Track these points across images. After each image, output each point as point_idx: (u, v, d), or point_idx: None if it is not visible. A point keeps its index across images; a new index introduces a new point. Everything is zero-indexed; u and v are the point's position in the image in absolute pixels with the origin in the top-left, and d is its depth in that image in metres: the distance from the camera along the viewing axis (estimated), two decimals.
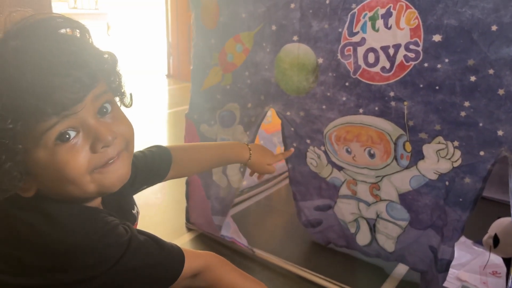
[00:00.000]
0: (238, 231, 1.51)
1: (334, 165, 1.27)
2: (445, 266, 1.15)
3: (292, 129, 1.29)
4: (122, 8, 11.27)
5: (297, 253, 1.50)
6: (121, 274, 0.60)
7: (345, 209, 1.31)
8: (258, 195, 1.95)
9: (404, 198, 1.18)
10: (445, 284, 1.25)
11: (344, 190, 1.29)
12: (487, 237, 1.26)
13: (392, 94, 1.05)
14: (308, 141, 1.28)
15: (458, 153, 1.03)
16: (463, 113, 0.97)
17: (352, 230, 1.33)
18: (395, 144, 1.11)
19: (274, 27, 1.19)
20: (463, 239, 1.52)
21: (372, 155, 1.17)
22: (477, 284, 1.27)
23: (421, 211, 1.17)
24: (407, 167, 1.13)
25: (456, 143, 1.02)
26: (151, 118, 3.20)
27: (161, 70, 4.87)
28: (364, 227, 1.30)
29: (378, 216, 1.25)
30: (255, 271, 1.40)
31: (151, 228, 1.65)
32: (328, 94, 1.16)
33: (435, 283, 1.19)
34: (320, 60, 1.14)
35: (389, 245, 1.27)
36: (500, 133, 0.94)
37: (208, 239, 1.57)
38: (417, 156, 1.10)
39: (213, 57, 1.34)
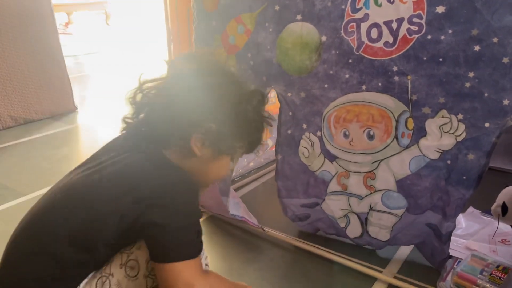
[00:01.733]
0: (247, 211, 1.53)
1: (327, 154, 1.26)
2: (448, 236, 1.16)
3: (290, 113, 1.29)
4: None
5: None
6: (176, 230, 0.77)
7: (334, 206, 1.30)
8: (265, 176, 1.97)
9: (402, 185, 1.17)
10: (454, 254, 1.28)
11: (333, 186, 1.28)
12: (495, 206, 1.27)
13: (395, 68, 1.06)
14: (304, 125, 1.27)
15: (462, 127, 1.03)
16: (467, 84, 0.97)
17: (342, 225, 1.32)
18: (397, 121, 1.11)
19: (277, 7, 1.19)
20: (471, 209, 1.54)
21: (371, 137, 1.16)
22: (486, 252, 1.29)
23: (420, 195, 1.16)
24: (407, 147, 1.12)
25: (460, 116, 1.02)
26: None
27: (162, 57, 4.86)
28: (355, 221, 1.29)
29: (371, 208, 1.24)
30: (266, 248, 1.43)
31: None
32: (331, 72, 1.17)
33: (439, 252, 1.20)
34: (324, 38, 1.15)
35: (383, 235, 1.27)
36: (505, 102, 0.94)
37: (218, 220, 1.59)
38: (419, 133, 1.10)
39: (215, 38, 1.35)
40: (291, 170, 1.35)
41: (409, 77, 1.05)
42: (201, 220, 1.60)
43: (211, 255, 1.41)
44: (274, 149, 2.04)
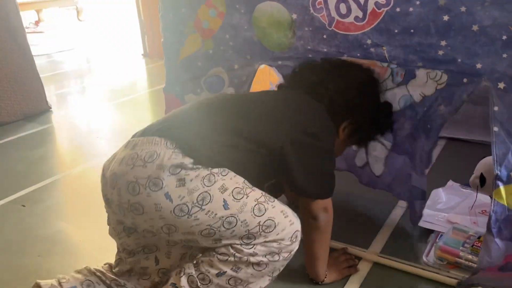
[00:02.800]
0: None
1: None
2: (420, 195, 1.24)
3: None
4: None
5: None
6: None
7: None
8: None
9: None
10: (436, 228, 1.29)
11: None
12: (473, 178, 1.29)
13: (369, 41, 1.07)
14: None
15: (445, 77, 1.08)
16: (441, 52, 0.99)
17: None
18: (390, 67, 1.18)
19: None
20: (450, 183, 1.55)
21: None
22: (467, 224, 1.30)
23: (400, 134, 1.26)
24: (399, 85, 1.20)
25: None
26: (133, 97, 3.18)
27: (137, 50, 4.79)
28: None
29: None
30: None
31: None
32: (309, 47, 1.18)
33: (412, 212, 1.27)
34: (294, 16, 1.14)
35: (378, 167, 1.35)
36: (478, 66, 0.96)
37: None
38: (410, 75, 1.17)
39: (187, 25, 1.33)
40: None
41: (384, 48, 1.06)
42: None
43: None
44: None
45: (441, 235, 1.25)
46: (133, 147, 0.88)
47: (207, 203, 0.82)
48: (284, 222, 0.88)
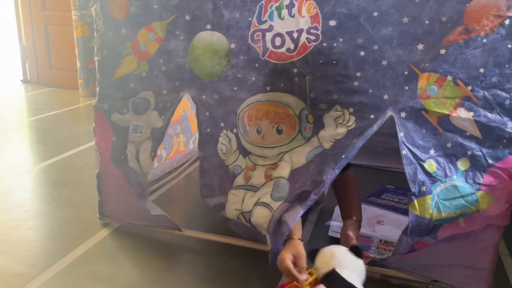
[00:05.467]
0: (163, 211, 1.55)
1: (242, 150, 1.37)
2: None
3: (207, 113, 1.39)
4: None
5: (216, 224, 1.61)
6: None
7: (231, 203, 1.37)
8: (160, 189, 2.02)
9: (293, 173, 1.29)
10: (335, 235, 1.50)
11: (239, 180, 1.37)
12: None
13: (295, 70, 1.24)
14: (222, 124, 1.39)
15: (353, 118, 1.22)
16: (356, 83, 1.20)
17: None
18: (299, 118, 1.28)
19: (188, 17, 1.30)
20: None
21: (280, 131, 1.30)
22: (368, 232, 1.48)
23: (300, 180, 1.26)
24: (309, 138, 1.28)
25: (351, 110, 1.22)
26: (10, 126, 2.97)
27: (14, 75, 4.46)
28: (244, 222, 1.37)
29: (257, 202, 1.30)
30: (181, 254, 1.49)
31: (62, 228, 1.62)
32: (239, 75, 1.30)
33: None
34: (233, 45, 1.28)
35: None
36: (385, 97, 1.18)
37: (127, 234, 1.59)
38: (319, 126, 1.26)
39: (125, 46, 1.38)
40: (209, 166, 1.43)
41: (307, 77, 1.23)
42: (108, 233, 1.58)
43: (122, 266, 1.41)
44: (168, 160, 2.10)
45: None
46: None
47: None
48: None
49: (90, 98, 3.78)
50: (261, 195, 1.31)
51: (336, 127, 1.25)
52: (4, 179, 2.07)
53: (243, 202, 1.34)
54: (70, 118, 3.23)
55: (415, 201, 1.16)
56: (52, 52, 4.16)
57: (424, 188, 1.15)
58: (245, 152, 1.38)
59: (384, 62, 1.16)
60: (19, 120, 3.17)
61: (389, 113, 1.18)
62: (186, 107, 2.18)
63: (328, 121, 1.26)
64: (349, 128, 1.23)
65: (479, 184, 1.14)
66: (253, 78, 1.29)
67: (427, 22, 1.10)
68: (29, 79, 4.35)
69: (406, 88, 1.15)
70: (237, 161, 1.39)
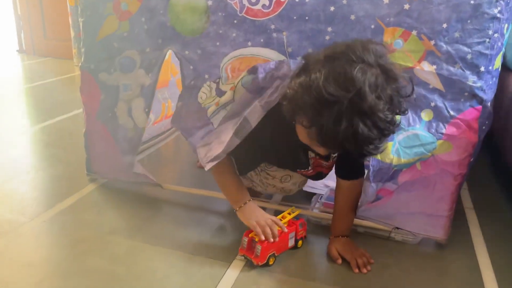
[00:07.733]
0: (146, 171, 1.63)
1: (219, 93, 1.41)
2: None
3: (191, 67, 1.43)
4: None
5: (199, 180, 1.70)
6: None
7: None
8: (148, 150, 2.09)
9: None
10: (318, 192, 1.59)
11: (211, 109, 1.41)
12: None
13: (273, 26, 1.29)
14: (206, 76, 1.42)
15: None
16: (327, 37, 1.25)
17: None
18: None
19: None
20: None
21: None
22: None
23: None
24: None
25: None
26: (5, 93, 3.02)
27: (10, 45, 4.50)
28: None
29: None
30: (164, 207, 1.57)
31: (52, 183, 1.71)
32: (220, 31, 1.35)
33: None
34: (210, 2, 1.33)
35: None
36: None
37: (113, 189, 1.67)
38: None
39: (106, 6, 1.43)
40: (188, 112, 1.46)
41: (284, 33, 1.29)
42: (94, 187, 1.66)
43: (107, 216, 1.48)
44: (156, 124, 2.16)
45: (321, 196, 1.56)
46: None
47: None
48: None
49: None
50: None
51: None
52: None
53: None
54: (65, 86, 3.28)
55: None
56: (46, 22, 4.19)
57: None
58: (221, 93, 1.42)
59: (353, 17, 1.20)
60: (14, 87, 3.22)
61: None
62: (174, 73, 2.22)
63: None
64: None
65: (441, 133, 1.21)
66: (234, 34, 1.34)
67: None
68: (24, 49, 4.39)
69: None
70: (213, 102, 1.43)
